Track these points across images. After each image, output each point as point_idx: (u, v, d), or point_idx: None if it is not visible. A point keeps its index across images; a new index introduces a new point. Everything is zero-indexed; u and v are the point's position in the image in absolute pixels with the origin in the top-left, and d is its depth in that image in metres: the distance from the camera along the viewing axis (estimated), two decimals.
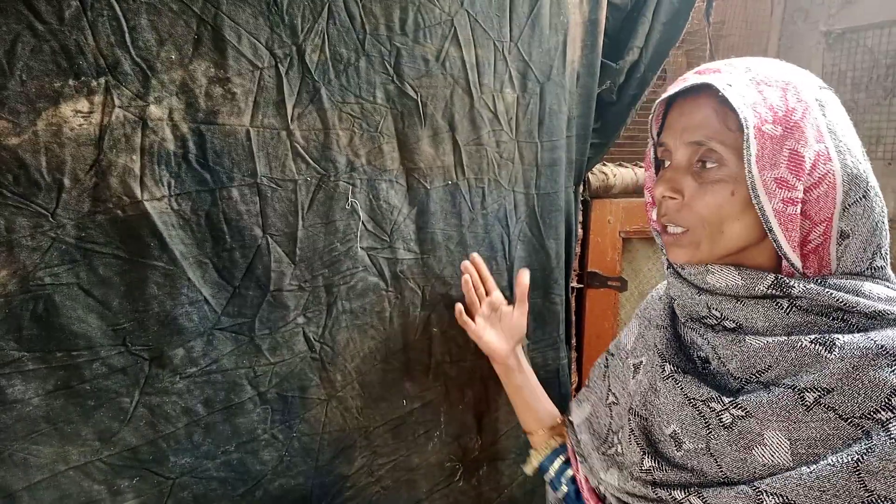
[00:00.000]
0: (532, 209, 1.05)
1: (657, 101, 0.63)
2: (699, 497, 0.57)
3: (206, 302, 0.75)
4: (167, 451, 0.75)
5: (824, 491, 0.50)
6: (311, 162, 0.80)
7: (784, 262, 0.58)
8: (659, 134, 0.65)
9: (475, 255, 0.94)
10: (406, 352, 0.95)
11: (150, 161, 0.68)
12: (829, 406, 0.52)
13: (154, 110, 0.68)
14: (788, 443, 0.53)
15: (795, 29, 1.69)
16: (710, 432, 0.58)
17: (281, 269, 0.80)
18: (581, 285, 1.29)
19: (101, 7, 0.62)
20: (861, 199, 0.56)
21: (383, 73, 0.83)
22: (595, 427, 0.77)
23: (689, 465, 0.60)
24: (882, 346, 0.51)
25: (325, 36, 0.77)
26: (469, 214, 0.97)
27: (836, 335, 0.53)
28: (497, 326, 0.91)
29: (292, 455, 0.86)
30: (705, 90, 0.57)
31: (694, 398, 0.60)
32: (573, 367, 1.26)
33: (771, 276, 0.57)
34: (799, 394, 0.53)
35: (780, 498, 0.52)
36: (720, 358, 0.60)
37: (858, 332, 0.53)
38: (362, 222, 0.86)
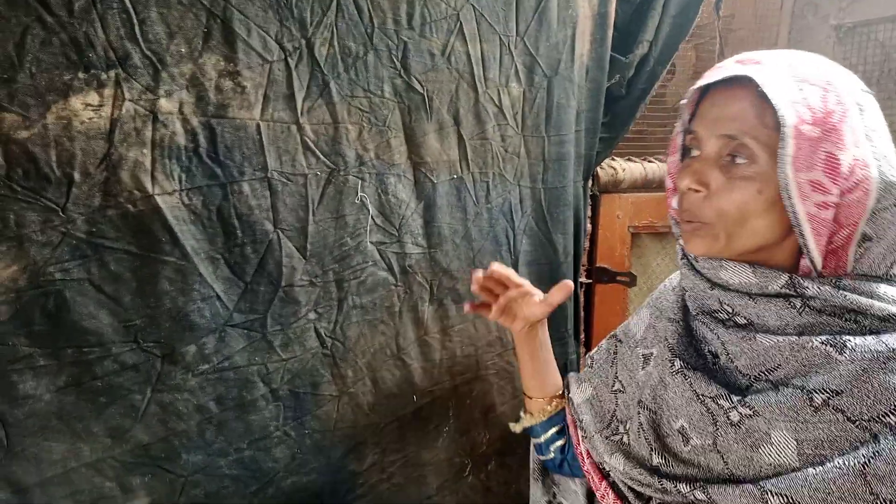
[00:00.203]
0: (539, 203, 1.04)
1: (692, 88, 0.61)
2: (704, 492, 0.57)
3: (218, 298, 0.74)
4: (179, 449, 0.75)
5: (830, 493, 0.50)
6: (320, 156, 0.79)
7: (802, 262, 0.57)
8: (690, 120, 0.63)
9: (496, 265, 0.83)
10: (415, 347, 0.95)
11: (161, 155, 0.68)
12: (837, 408, 0.51)
13: (164, 104, 0.67)
14: (795, 443, 0.53)
15: (805, 23, 1.68)
16: (718, 429, 0.58)
17: (292, 264, 0.79)
18: (589, 280, 1.29)
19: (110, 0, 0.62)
20: (892, 206, 0.54)
21: (391, 66, 0.83)
22: (597, 410, 0.76)
23: (695, 460, 0.60)
24: (893, 350, 0.51)
25: (335, 29, 0.77)
26: (474, 208, 0.96)
27: (848, 337, 0.53)
28: (520, 304, 0.83)
29: (304, 452, 0.85)
30: (744, 81, 0.55)
31: (703, 395, 0.60)
32: (581, 362, 1.26)
33: (785, 276, 0.56)
34: (808, 394, 0.53)
35: (785, 498, 0.51)
36: (729, 354, 0.60)
37: (870, 334, 0.53)
38: (371, 217, 0.86)
